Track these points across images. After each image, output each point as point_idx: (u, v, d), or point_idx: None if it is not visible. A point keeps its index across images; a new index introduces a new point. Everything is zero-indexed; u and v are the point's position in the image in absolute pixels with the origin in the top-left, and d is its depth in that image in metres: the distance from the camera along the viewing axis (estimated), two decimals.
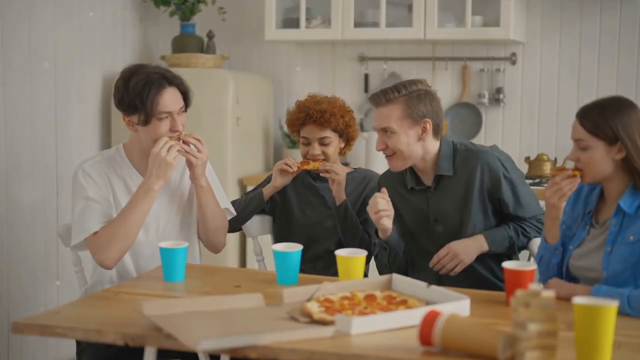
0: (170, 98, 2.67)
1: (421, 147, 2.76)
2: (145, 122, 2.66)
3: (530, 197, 2.82)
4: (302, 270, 3.09)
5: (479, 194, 2.77)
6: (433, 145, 2.79)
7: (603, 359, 1.73)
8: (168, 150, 2.61)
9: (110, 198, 2.71)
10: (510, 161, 2.83)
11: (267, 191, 3.17)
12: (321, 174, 3.09)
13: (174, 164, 2.63)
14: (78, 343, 2.70)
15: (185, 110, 2.76)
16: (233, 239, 4.40)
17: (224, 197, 2.93)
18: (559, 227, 2.46)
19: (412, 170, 2.86)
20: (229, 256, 4.41)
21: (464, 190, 2.78)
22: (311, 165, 3.09)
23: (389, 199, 2.71)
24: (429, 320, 1.84)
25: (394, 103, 2.73)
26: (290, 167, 3.10)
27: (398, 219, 2.90)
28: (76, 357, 2.71)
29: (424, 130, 2.74)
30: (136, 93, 2.63)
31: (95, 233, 2.62)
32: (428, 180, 2.84)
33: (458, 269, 2.75)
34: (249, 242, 4.32)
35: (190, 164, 2.71)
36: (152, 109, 2.64)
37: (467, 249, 2.75)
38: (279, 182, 3.14)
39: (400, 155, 2.75)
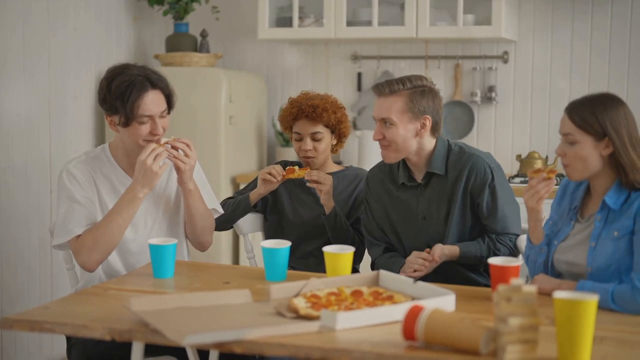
0: (152, 102, 2.67)
1: (417, 143, 2.77)
2: (126, 124, 2.67)
3: (508, 212, 2.79)
4: (293, 268, 3.13)
5: (463, 195, 2.78)
6: (429, 142, 2.80)
7: (583, 353, 1.75)
8: (155, 159, 2.61)
9: (95, 198, 2.73)
10: (500, 172, 2.82)
11: (253, 197, 3.17)
12: (307, 184, 3.08)
13: (160, 173, 2.63)
14: (68, 339, 2.73)
15: (169, 113, 2.76)
16: (226, 236, 4.42)
17: (212, 197, 2.94)
18: (542, 228, 2.49)
19: (405, 165, 2.87)
20: (222, 253, 4.44)
21: (451, 190, 2.80)
22: (296, 174, 3.07)
23: (428, 259, 2.72)
24: (412, 315, 1.86)
25: (397, 95, 2.74)
26: (274, 177, 3.08)
27: (386, 216, 2.92)
28: (66, 353, 2.73)
29: (423, 126, 2.75)
30: (118, 95, 2.64)
31: (79, 236, 2.64)
32: (419, 177, 2.85)
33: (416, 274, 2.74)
34: (242, 239, 4.35)
35: (178, 168, 2.71)
36: (132, 112, 2.64)
37: (443, 255, 2.75)
38: (262, 190, 3.14)
39: (395, 147, 2.76)
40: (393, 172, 2.91)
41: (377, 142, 4.48)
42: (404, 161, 2.86)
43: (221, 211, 3.01)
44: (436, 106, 2.77)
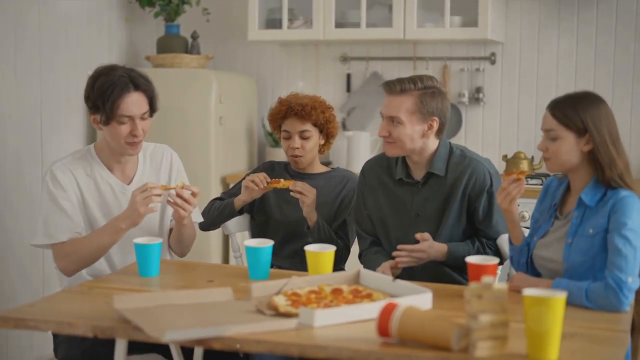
0: (132, 103, 2.72)
1: (422, 143, 2.80)
2: (106, 122, 2.73)
3: (502, 219, 2.81)
4: (279, 267, 3.17)
5: (461, 198, 2.82)
6: (433, 143, 2.84)
7: (552, 348, 1.80)
8: (145, 199, 2.61)
9: (78, 200, 2.78)
10: (498, 178, 2.86)
11: (237, 203, 3.21)
12: (291, 194, 3.10)
13: (144, 215, 2.65)
14: (55, 337, 2.77)
15: (151, 116, 2.80)
16: (216, 236, 4.46)
17: (197, 211, 2.99)
18: (520, 229, 2.55)
19: (403, 161, 2.91)
20: (212, 252, 4.48)
21: (448, 192, 2.84)
22: (281, 184, 3.09)
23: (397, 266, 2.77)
24: (387, 313, 1.91)
25: (408, 95, 2.76)
26: (256, 185, 3.10)
27: (377, 209, 2.96)
28: (53, 351, 2.78)
29: (430, 127, 2.78)
30: (100, 93, 2.70)
31: (62, 242, 2.71)
32: (418, 175, 2.89)
33: (406, 264, 2.77)
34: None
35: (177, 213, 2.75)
36: (111, 112, 2.70)
37: (430, 250, 2.77)
38: (245, 197, 3.17)
39: (400, 144, 2.79)
40: (391, 167, 2.95)
41: (367, 143, 4.60)
42: (403, 158, 2.90)
43: (202, 219, 3.09)
44: (444, 108, 2.80)
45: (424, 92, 2.76)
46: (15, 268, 4.05)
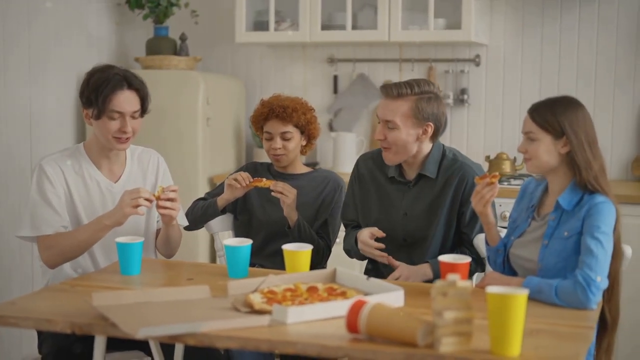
0: (125, 100, 2.81)
1: (416, 147, 2.86)
2: (98, 117, 2.81)
3: None
4: (262, 266, 3.22)
5: (450, 201, 2.88)
6: (427, 146, 2.89)
7: (514, 344, 1.85)
8: (133, 199, 2.68)
9: (65, 194, 2.84)
10: None
11: (220, 202, 3.26)
12: (272, 194, 3.15)
13: (127, 216, 2.71)
14: (39, 334, 2.82)
15: (142, 116, 2.88)
16: (203, 235, 4.50)
17: (182, 213, 3.05)
18: (495, 231, 2.61)
19: None
20: (200, 252, 4.53)
21: (438, 194, 2.90)
22: (263, 184, 3.14)
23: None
24: (355, 309, 1.96)
25: (404, 99, 2.81)
26: (239, 183, 3.15)
27: (365, 202, 3.01)
28: (37, 347, 2.83)
29: (425, 132, 2.84)
30: (94, 88, 2.80)
31: (48, 235, 2.77)
32: (410, 175, 2.95)
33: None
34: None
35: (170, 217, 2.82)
36: (103, 106, 2.79)
37: (414, 275, 2.83)
38: (228, 195, 3.21)
39: (395, 149, 2.85)
40: (385, 164, 3.00)
41: (353, 144, 4.65)
42: None
43: (187, 222, 3.15)
44: (439, 113, 2.86)
45: (420, 97, 2.81)
46: (8, 263, 4.10)
